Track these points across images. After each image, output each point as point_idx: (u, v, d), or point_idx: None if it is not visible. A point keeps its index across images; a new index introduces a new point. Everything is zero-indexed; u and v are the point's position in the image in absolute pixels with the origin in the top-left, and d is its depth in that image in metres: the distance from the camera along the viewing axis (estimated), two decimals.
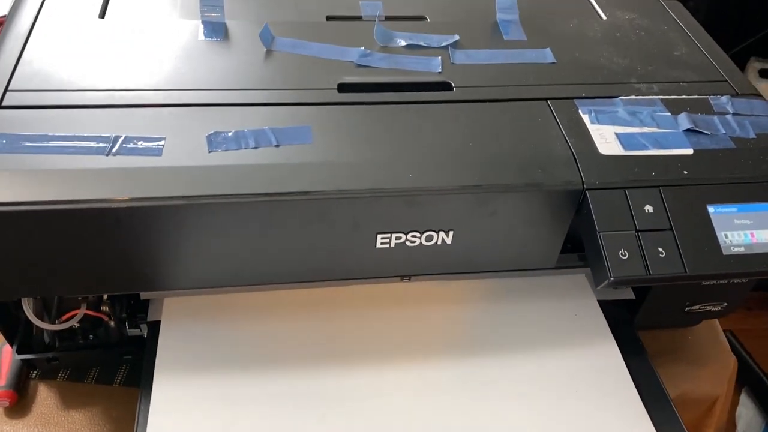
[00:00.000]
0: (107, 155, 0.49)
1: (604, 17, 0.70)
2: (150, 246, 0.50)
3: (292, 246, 0.52)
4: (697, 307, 0.65)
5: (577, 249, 0.58)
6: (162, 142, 0.50)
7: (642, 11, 0.71)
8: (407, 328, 0.59)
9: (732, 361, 0.72)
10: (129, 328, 0.60)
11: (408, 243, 0.53)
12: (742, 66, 1.63)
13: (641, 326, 0.65)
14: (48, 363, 0.61)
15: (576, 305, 0.62)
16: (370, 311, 0.60)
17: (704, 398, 0.69)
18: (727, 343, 0.73)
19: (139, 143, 0.50)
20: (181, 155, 0.49)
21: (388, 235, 0.52)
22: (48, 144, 0.49)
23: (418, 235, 0.52)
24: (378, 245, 0.53)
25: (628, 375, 0.57)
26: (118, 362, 0.63)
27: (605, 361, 0.58)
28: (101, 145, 0.49)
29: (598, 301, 0.62)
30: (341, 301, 0.60)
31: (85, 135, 0.50)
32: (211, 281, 0.54)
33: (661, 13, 0.71)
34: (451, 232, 0.53)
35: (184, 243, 0.50)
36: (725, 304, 0.65)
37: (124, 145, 0.50)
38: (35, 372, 0.63)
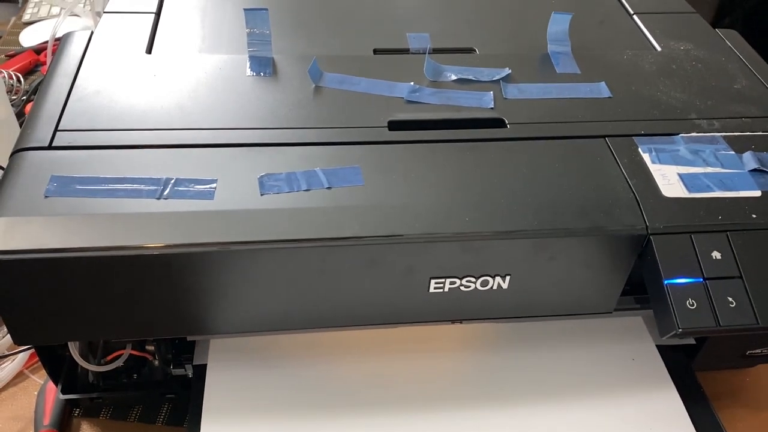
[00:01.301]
0: (158, 198, 0.48)
1: (658, 48, 0.68)
2: (200, 291, 0.48)
3: (343, 290, 0.50)
4: (758, 350, 0.62)
5: (635, 292, 0.56)
6: (214, 185, 0.49)
7: (697, 41, 0.69)
8: (458, 371, 0.58)
9: None
10: (174, 368, 0.59)
11: (462, 288, 0.51)
12: None
13: (699, 369, 0.62)
14: (91, 402, 0.61)
15: (633, 349, 0.59)
16: (420, 354, 0.58)
17: None
18: None
19: (191, 186, 0.49)
20: (233, 198, 0.48)
21: (442, 280, 0.50)
22: (99, 187, 0.48)
23: (473, 280, 0.51)
24: (431, 290, 0.51)
25: (690, 424, 0.55)
26: (161, 401, 0.63)
27: (665, 408, 0.56)
28: (153, 188, 0.49)
29: (656, 345, 0.60)
30: (392, 342, 0.59)
31: (137, 177, 0.49)
32: (260, 326, 0.52)
33: (717, 42, 0.69)
34: (507, 277, 0.51)
35: (235, 288, 0.49)
36: None
37: (175, 188, 0.49)
38: (78, 410, 0.62)
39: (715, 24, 0.72)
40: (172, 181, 0.49)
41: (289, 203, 0.48)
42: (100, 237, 0.45)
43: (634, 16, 0.73)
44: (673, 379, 0.58)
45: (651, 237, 0.49)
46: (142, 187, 0.49)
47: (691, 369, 0.60)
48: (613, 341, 0.60)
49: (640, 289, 0.53)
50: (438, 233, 0.48)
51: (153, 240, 0.45)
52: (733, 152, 0.56)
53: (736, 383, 0.68)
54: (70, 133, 0.53)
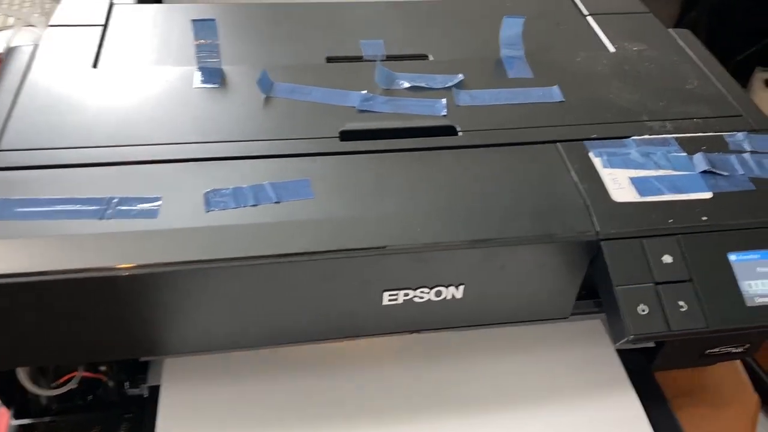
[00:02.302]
0: (101, 219, 0.47)
1: (612, 49, 0.68)
2: (148, 313, 0.47)
3: (294, 306, 0.50)
4: (717, 349, 0.62)
5: (593, 296, 0.56)
6: (158, 203, 0.48)
7: (651, 42, 0.69)
8: (415, 381, 0.57)
9: (754, 400, 0.69)
10: (129, 388, 0.58)
11: (416, 299, 0.51)
12: (747, 76, 1.61)
13: (658, 369, 0.63)
14: (47, 425, 0.59)
15: (592, 353, 0.59)
16: (377, 365, 0.58)
17: None
18: (748, 381, 0.70)
19: (135, 205, 0.48)
20: (177, 216, 0.47)
21: (396, 292, 0.50)
22: (40, 209, 0.47)
23: (427, 291, 0.50)
24: (385, 303, 0.50)
25: (650, 427, 0.55)
26: (119, 422, 0.61)
27: (624, 412, 0.56)
28: (95, 208, 0.48)
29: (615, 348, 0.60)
30: (347, 356, 0.58)
31: (79, 198, 0.48)
32: (213, 345, 0.52)
33: (671, 42, 0.69)
34: (461, 287, 0.51)
35: (183, 308, 0.48)
36: (747, 345, 0.62)
37: (118, 207, 0.48)
38: None
39: (682, 17, 0.72)
40: (115, 201, 0.48)
41: (236, 219, 0.48)
42: (40, 261, 0.44)
43: (588, 17, 0.73)
44: (632, 381, 0.58)
45: (601, 243, 0.49)
46: (85, 207, 0.48)
47: (650, 371, 0.61)
48: (572, 345, 0.60)
49: (597, 293, 0.53)
50: (389, 246, 0.47)
51: (93, 263, 0.44)
52: (685, 154, 0.56)
53: (697, 382, 0.68)
54: (11, 153, 0.51)
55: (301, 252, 0.46)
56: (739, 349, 0.63)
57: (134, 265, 0.45)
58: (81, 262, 0.44)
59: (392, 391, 0.56)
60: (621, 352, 0.60)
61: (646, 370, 0.61)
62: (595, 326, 0.61)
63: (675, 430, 0.56)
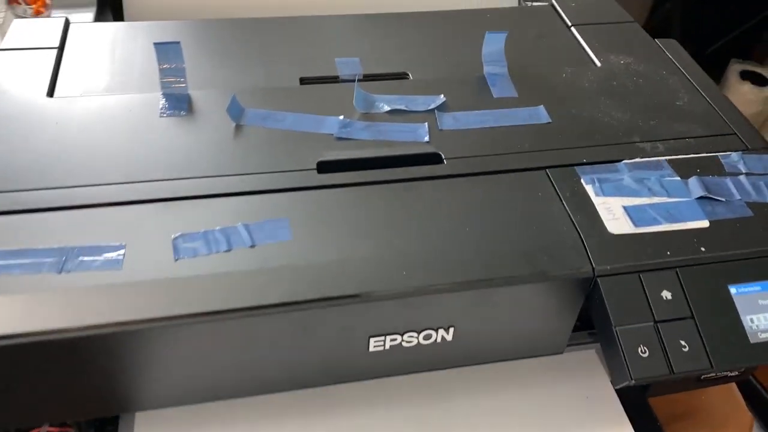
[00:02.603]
0: (60, 272, 0.43)
1: (598, 63, 0.65)
2: (115, 371, 0.44)
3: (274, 356, 0.46)
4: (713, 374, 0.60)
5: (587, 327, 0.53)
6: (122, 252, 0.44)
7: (637, 54, 0.66)
8: (405, 424, 0.54)
9: (748, 420, 0.68)
10: None
11: (404, 344, 0.48)
12: (722, 67, 1.60)
13: (654, 395, 0.61)
14: None
15: (586, 385, 0.57)
16: (364, 410, 0.54)
17: None
18: (742, 401, 0.69)
19: (96, 255, 0.44)
20: (144, 266, 0.44)
21: (382, 338, 0.47)
22: None
23: (414, 335, 0.47)
24: (371, 349, 0.47)
25: None
26: None
27: None
28: (52, 260, 0.44)
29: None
30: (332, 398, 0.55)
31: (34, 249, 0.44)
32: (187, 398, 0.48)
33: (657, 54, 0.67)
34: (451, 329, 0.48)
35: (153, 365, 0.44)
36: (743, 369, 0.60)
37: (78, 258, 0.44)
38: None
39: (655, 9, 0.70)
40: (75, 251, 0.44)
41: (208, 268, 0.44)
42: None
43: (572, 29, 0.70)
44: (627, 410, 0.56)
45: (598, 279, 0.47)
46: (41, 260, 0.44)
47: (645, 400, 0.58)
48: (567, 378, 0.57)
49: (591, 325, 0.51)
50: (374, 292, 0.44)
51: (53, 323, 0.40)
52: (679, 178, 0.53)
53: (691, 404, 0.66)
54: None
55: (279, 303, 0.43)
56: (735, 373, 0.61)
57: (99, 324, 0.41)
58: (39, 323, 0.40)
59: None
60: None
61: (641, 397, 0.59)
62: (589, 357, 0.59)
63: None
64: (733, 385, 0.69)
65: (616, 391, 0.57)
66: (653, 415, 0.57)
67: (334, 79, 0.62)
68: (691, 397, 0.67)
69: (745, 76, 1.52)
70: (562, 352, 0.53)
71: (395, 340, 0.47)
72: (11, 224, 0.46)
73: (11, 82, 0.57)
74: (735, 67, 1.55)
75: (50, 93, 0.57)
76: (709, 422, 0.65)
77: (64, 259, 0.44)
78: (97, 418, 0.54)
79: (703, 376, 0.60)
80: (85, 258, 0.44)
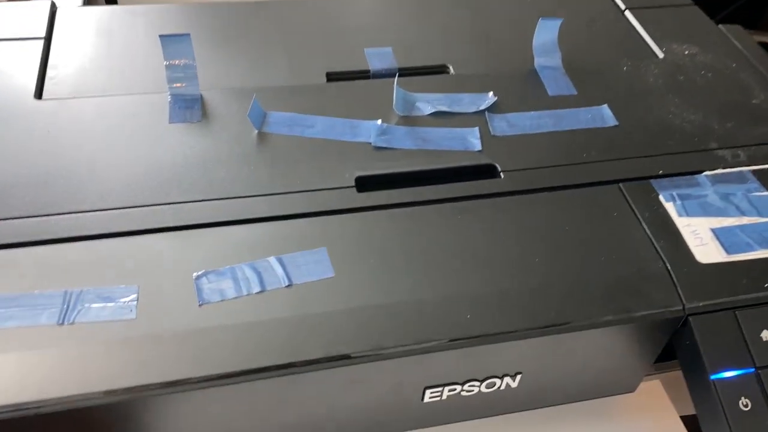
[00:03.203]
0: (61, 323, 0.36)
1: (660, 54, 0.58)
2: None
3: (318, 414, 0.40)
4: None
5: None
6: (134, 296, 0.37)
7: (701, 42, 0.59)
8: None
9: None
10: None
11: (464, 393, 0.41)
12: None
13: None
14: None
15: (653, 419, 0.51)
16: None
17: None
18: None
19: (104, 301, 0.37)
20: (161, 315, 0.37)
21: (440, 389, 0.40)
22: None
23: (476, 384, 0.41)
24: (426, 400, 0.41)
25: None
26: None
27: None
28: (52, 309, 0.36)
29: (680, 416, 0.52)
30: None
31: (29, 294, 0.37)
32: None
33: (723, 42, 0.60)
34: (518, 377, 0.41)
35: (176, 428, 0.38)
36: None
37: (82, 305, 0.37)
38: None
39: None
40: (76, 296, 0.37)
41: (238, 315, 0.37)
42: None
43: (627, 12, 0.62)
44: None
45: (689, 318, 0.40)
46: (37, 309, 0.36)
47: None
48: (632, 412, 0.51)
49: (661, 356, 0.45)
50: (433, 341, 0.37)
51: (52, 391, 0.33)
52: (767, 193, 0.47)
53: None
54: None
55: (323, 358, 0.36)
56: None
57: (111, 390, 0.34)
58: (37, 393, 0.33)
59: None
60: (686, 419, 0.52)
61: None
62: (655, 388, 0.53)
63: None
64: None
65: (685, 425, 0.52)
66: None
67: (365, 74, 0.54)
68: None
69: None
70: (634, 391, 0.47)
71: (454, 390, 0.41)
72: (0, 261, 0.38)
73: None
74: None
75: (38, 94, 0.49)
76: None
77: (66, 306, 0.36)
78: None
79: None
80: (91, 305, 0.37)
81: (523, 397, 0.44)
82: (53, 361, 0.34)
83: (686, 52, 0.58)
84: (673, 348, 0.43)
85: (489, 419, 0.49)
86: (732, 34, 0.61)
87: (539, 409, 0.50)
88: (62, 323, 0.36)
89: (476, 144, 0.48)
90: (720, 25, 0.61)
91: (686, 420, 0.52)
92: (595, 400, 0.51)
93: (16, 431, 0.35)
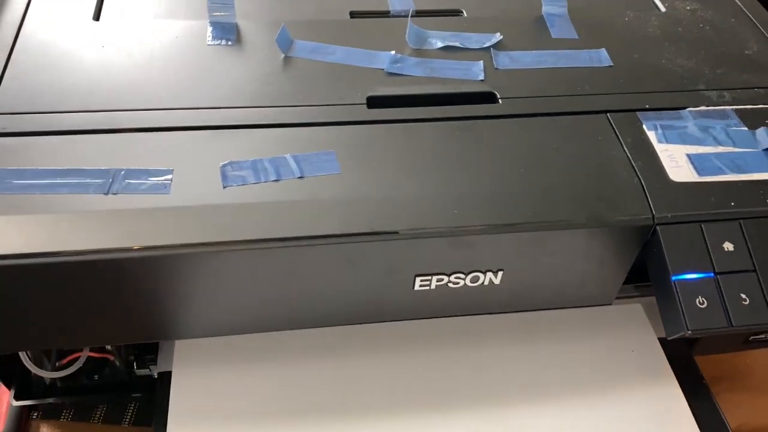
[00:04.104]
0: (107, 194, 0.42)
1: (662, 9, 0.62)
2: (159, 296, 0.43)
3: (318, 290, 0.46)
4: (762, 336, 0.59)
5: (635, 280, 0.52)
6: (169, 176, 0.43)
7: (705, 0, 0.63)
8: (442, 369, 0.53)
9: None
10: (137, 369, 0.55)
11: (450, 285, 0.46)
12: None
13: (699, 354, 0.59)
14: (49, 407, 0.56)
15: (632, 340, 0.56)
16: (401, 351, 0.54)
17: (765, 428, 0.64)
18: None
19: (143, 178, 0.43)
20: (192, 192, 0.43)
21: (429, 277, 0.46)
22: (39, 182, 0.43)
23: (462, 276, 0.46)
24: (416, 288, 0.46)
25: (694, 422, 0.51)
26: (126, 402, 0.58)
27: (667, 405, 0.52)
28: (99, 181, 0.43)
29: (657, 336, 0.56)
30: (368, 340, 0.54)
31: (81, 169, 0.43)
32: (229, 329, 0.48)
33: (727, 1, 0.63)
34: (500, 273, 0.46)
35: (198, 292, 0.44)
36: None
37: (126, 180, 0.43)
38: (36, 413, 0.57)
39: None
40: (122, 173, 0.43)
41: (256, 196, 0.43)
42: (41, 240, 0.40)
43: None
44: (673, 368, 0.55)
45: (658, 227, 0.45)
46: (88, 180, 0.43)
47: (691, 358, 0.57)
48: (612, 332, 0.56)
49: (640, 277, 0.49)
50: (423, 228, 0.43)
51: (98, 244, 0.40)
52: (746, 128, 0.51)
53: (735, 366, 0.65)
54: (5, 117, 0.46)
55: (328, 234, 0.42)
56: None
57: (145, 247, 0.40)
58: (87, 243, 0.40)
59: (416, 379, 0.52)
60: (662, 338, 0.56)
61: (687, 355, 0.57)
62: (635, 311, 0.57)
63: (717, 420, 0.53)
64: None
65: (662, 346, 0.56)
66: (699, 372, 0.56)
67: (385, 14, 0.60)
68: (733, 360, 0.65)
69: None
70: (611, 303, 0.51)
71: (441, 280, 0.46)
72: (59, 144, 0.45)
73: (57, 6, 0.56)
74: None
75: (96, 17, 0.56)
76: (750, 386, 0.64)
77: (111, 180, 0.43)
78: (137, 347, 0.54)
79: (751, 337, 0.59)
80: (133, 181, 0.43)
81: (505, 296, 0.49)
82: (99, 221, 0.41)
83: (688, 8, 0.62)
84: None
85: (475, 326, 0.55)
86: None
87: (522, 321, 0.55)
88: (107, 194, 0.42)
89: (479, 74, 0.53)
90: None
91: (664, 343, 0.57)
92: (576, 316, 0.56)
93: (64, 286, 0.42)
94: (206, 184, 0.43)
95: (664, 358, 0.55)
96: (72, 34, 0.53)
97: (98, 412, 0.58)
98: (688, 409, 0.52)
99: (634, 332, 0.56)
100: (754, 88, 0.54)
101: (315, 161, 0.45)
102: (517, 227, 0.44)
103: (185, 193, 0.43)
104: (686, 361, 0.56)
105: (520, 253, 0.45)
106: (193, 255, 0.41)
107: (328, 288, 0.46)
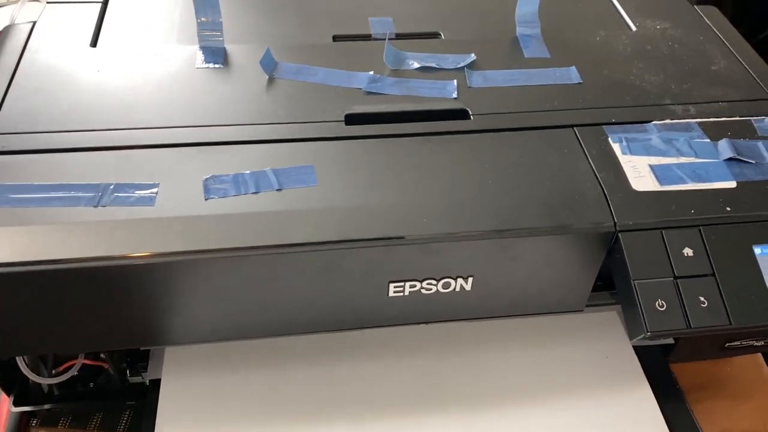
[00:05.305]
0: (96, 206, 0.45)
1: (633, 28, 0.64)
2: (145, 303, 0.46)
3: (297, 297, 0.48)
4: (738, 342, 0.60)
5: (609, 287, 0.54)
6: (155, 190, 0.46)
7: (675, 19, 0.65)
8: (421, 375, 0.55)
9: None
10: (130, 376, 0.57)
11: (423, 291, 0.49)
12: None
13: (675, 361, 0.60)
14: (48, 411, 0.58)
15: (607, 346, 0.57)
16: (381, 358, 0.56)
17: None
18: None
19: (131, 192, 0.46)
20: (175, 204, 0.46)
21: (402, 283, 0.48)
22: (34, 196, 0.46)
23: (434, 282, 0.48)
24: (390, 294, 0.49)
25: (665, 426, 0.53)
26: (121, 408, 0.60)
27: (638, 408, 0.54)
28: (90, 195, 0.46)
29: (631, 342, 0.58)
30: (351, 347, 0.56)
31: (73, 184, 0.46)
32: (212, 336, 0.50)
33: (696, 20, 0.66)
34: (470, 279, 0.49)
35: (181, 299, 0.46)
36: None
37: (114, 194, 0.46)
38: (35, 420, 0.60)
39: None
40: (111, 187, 0.46)
41: (236, 207, 0.46)
42: (34, 250, 0.43)
43: None
44: (648, 375, 0.56)
45: (619, 234, 0.47)
46: (79, 194, 0.46)
47: (666, 365, 0.58)
48: (587, 338, 0.57)
49: (613, 285, 0.51)
50: (395, 237, 0.45)
51: (88, 252, 0.43)
52: (708, 140, 0.53)
53: (716, 374, 0.66)
54: (6, 136, 0.50)
55: (303, 242, 0.44)
56: (761, 342, 0.60)
57: (130, 255, 0.43)
58: (76, 252, 0.43)
59: (397, 385, 0.54)
60: (637, 346, 0.58)
61: (662, 362, 0.59)
62: (610, 318, 0.59)
63: (691, 426, 0.54)
64: (759, 356, 0.68)
65: (637, 353, 0.58)
66: (673, 378, 0.57)
67: (367, 37, 0.63)
68: (715, 368, 0.66)
69: None
70: (582, 310, 0.53)
71: (414, 286, 0.48)
72: (53, 162, 0.48)
73: (57, 33, 0.60)
74: None
75: (94, 43, 0.59)
76: (732, 393, 0.65)
77: (100, 194, 0.46)
78: (130, 355, 0.57)
79: (727, 344, 0.60)
80: (120, 194, 0.46)
81: (477, 303, 0.51)
82: (88, 231, 0.44)
83: (658, 27, 0.64)
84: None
85: (450, 334, 0.57)
86: (706, 14, 0.67)
87: (498, 327, 0.57)
88: (96, 206, 0.45)
89: (453, 92, 0.56)
90: (695, 6, 0.68)
91: (639, 350, 0.58)
92: (551, 323, 0.58)
93: (56, 294, 0.44)
94: (189, 197, 0.46)
95: (638, 364, 0.56)
96: (70, 59, 0.57)
97: (95, 420, 0.60)
98: (660, 414, 0.53)
99: (608, 339, 0.58)
100: (718, 101, 0.56)
101: (293, 174, 0.48)
102: (484, 234, 0.46)
103: (169, 205, 0.45)
104: (661, 368, 0.58)
105: (489, 259, 0.48)
106: (175, 263, 0.44)
107: (307, 295, 0.48)
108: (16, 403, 0.56)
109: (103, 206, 0.45)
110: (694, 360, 0.64)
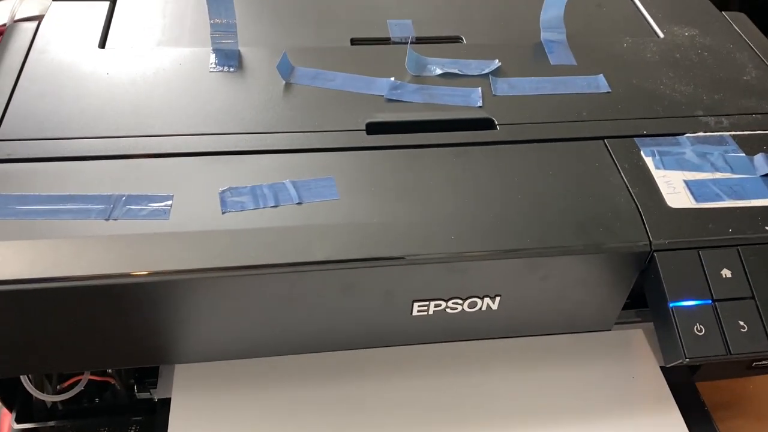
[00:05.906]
0: (107, 219, 0.43)
1: (661, 35, 0.62)
2: (157, 321, 0.44)
3: (317, 316, 0.46)
4: (765, 362, 0.58)
5: (636, 305, 0.52)
6: (169, 202, 0.44)
7: (703, 26, 0.63)
8: (442, 394, 0.53)
9: None
10: (138, 392, 0.55)
11: (448, 310, 0.47)
12: None
13: (701, 379, 0.59)
14: (51, 430, 0.56)
15: (633, 366, 0.55)
16: (397, 376, 0.54)
17: None
18: None
19: (144, 204, 0.44)
20: (191, 218, 0.43)
21: (427, 302, 0.46)
22: (41, 207, 0.43)
23: (460, 302, 0.46)
24: (414, 313, 0.46)
25: None
26: (127, 425, 0.58)
27: (666, 428, 0.52)
28: (101, 207, 0.43)
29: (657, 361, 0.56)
30: (365, 364, 0.54)
31: (83, 195, 0.44)
32: (227, 354, 0.48)
33: (725, 27, 0.64)
34: (497, 298, 0.46)
35: (196, 317, 0.44)
36: None
37: (126, 206, 0.44)
38: None
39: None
40: (123, 199, 0.44)
41: (254, 222, 0.43)
42: (42, 266, 0.40)
43: None
44: (674, 393, 0.54)
45: (655, 254, 0.45)
46: (90, 206, 0.44)
47: (693, 385, 0.57)
48: (613, 357, 0.56)
49: (641, 302, 0.49)
50: (420, 255, 0.43)
51: (98, 269, 0.40)
52: (744, 154, 0.51)
53: (738, 392, 0.64)
54: (11, 143, 0.47)
55: (325, 260, 0.42)
56: None
57: (144, 272, 0.41)
58: (86, 269, 0.40)
59: (413, 404, 0.52)
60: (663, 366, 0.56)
61: (689, 382, 0.57)
62: (636, 336, 0.57)
63: None
64: None
65: (663, 372, 0.56)
66: (700, 398, 0.55)
67: (386, 41, 0.61)
68: (737, 386, 0.65)
69: None
70: (610, 329, 0.51)
71: (439, 306, 0.46)
72: (62, 170, 0.46)
73: (64, 33, 0.57)
74: None
75: (102, 44, 0.57)
76: (755, 412, 0.63)
77: (112, 206, 0.44)
78: (138, 370, 0.55)
79: (754, 363, 0.58)
80: (133, 207, 0.44)
81: (503, 322, 0.49)
82: (99, 247, 0.41)
83: (686, 34, 0.62)
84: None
85: (474, 352, 0.55)
86: (735, 21, 0.65)
87: (522, 346, 0.55)
88: (108, 219, 0.43)
89: (477, 101, 0.54)
90: (724, 12, 0.66)
91: (665, 369, 0.56)
92: (576, 342, 0.56)
93: (65, 311, 0.42)
94: (205, 210, 0.44)
95: (665, 384, 0.54)
96: (78, 61, 0.54)
97: None
98: (687, 430, 0.52)
99: (635, 358, 0.56)
100: (752, 114, 0.54)
101: (314, 187, 0.46)
102: (513, 253, 0.44)
103: (184, 219, 0.43)
104: (688, 388, 0.56)
105: (518, 278, 0.46)
106: (191, 281, 0.41)
107: (326, 314, 0.46)
108: (18, 420, 0.54)
109: (115, 219, 0.43)
110: (719, 379, 0.62)
